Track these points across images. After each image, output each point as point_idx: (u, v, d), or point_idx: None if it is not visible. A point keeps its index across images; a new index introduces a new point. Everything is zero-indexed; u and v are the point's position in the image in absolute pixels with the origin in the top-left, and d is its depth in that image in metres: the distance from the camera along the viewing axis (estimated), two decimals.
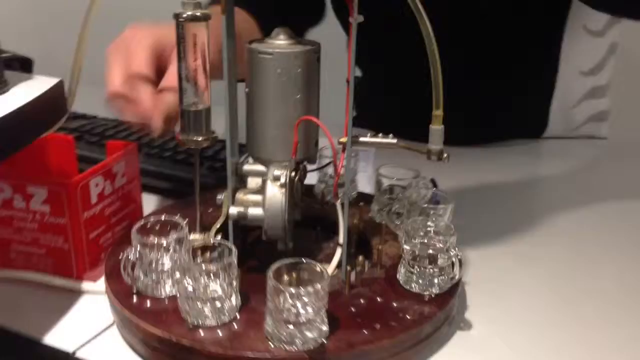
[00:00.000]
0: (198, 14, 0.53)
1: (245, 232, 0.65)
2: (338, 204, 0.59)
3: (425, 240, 0.58)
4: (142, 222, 0.57)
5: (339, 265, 0.60)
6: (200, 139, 0.57)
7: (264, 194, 0.56)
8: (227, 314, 0.52)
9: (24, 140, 0.56)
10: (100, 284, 0.61)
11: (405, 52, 1.05)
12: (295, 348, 0.49)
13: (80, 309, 0.60)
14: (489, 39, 1.00)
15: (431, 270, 0.56)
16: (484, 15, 0.99)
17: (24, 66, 0.71)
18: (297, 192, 0.60)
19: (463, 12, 0.99)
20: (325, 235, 0.67)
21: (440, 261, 0.56)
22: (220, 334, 0.51)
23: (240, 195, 0.59)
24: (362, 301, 0.55)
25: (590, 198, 0.85)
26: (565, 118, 1.06)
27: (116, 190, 0.66)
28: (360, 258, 0.59)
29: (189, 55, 0.55)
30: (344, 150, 0.57)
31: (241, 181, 0.61)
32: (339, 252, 0.61)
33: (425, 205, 0.61)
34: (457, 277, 0.57)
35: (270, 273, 0.49)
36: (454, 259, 0.56)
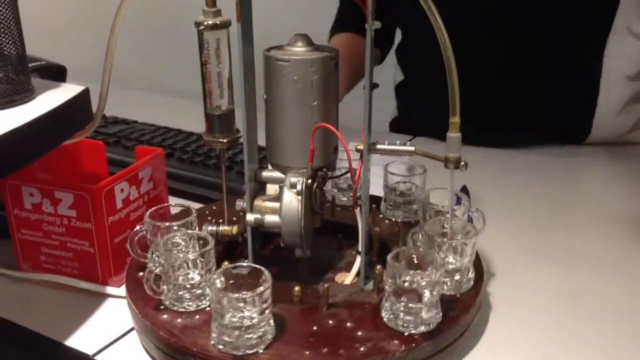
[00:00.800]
0: (218, 22, 0.54)
1: (267, 237, 0.65)
2: (357, 211, 0.59)
3: (409, 278, 0.52)
4: (163, 237, 0.57)
5: (359, 274, 0.60)
6: (224, 140, 0.58)
7: (280, 201, 0.56)
8: (266, 340, 0.51)
9: (48, 147, 0.57)
10: (124, 289, 0.62)
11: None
12: (237, 352, 0.49)
13: (103, 313, 0.62)
14: (532, 40, 0.98)
15: (413, 307, 0.51)
16: (528, 16, 0.97)
17: (58, 74, 0.73)
18: (316, 199, 0.60)
19: (507, 12, 0.97)
20: (348, 243, 0.66)
21: (425, 298, 0.51)
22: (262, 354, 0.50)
23: (258, 202, 0.59)
24: (330, 322, 0.53)
25: (633, 207, 0.82)
26: (609, 124, 1.02)
27: (142, 196, 0.67)
28: (379, 267, 0.59)
29: (212, 61, 0.55)
30: (361, 157, 0.56)
31: (262, 187, 0.61)
32: (358, 260, 0.60)
33: (439, 207, 0.61)
34: (431, 325, 0.52)
35: (215, 280, 0.49)
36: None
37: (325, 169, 0.61)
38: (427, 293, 0.50)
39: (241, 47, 0.54)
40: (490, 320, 0.60)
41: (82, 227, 0.62)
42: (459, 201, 0.64)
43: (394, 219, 0.70)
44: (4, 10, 0.53)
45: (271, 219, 0.57)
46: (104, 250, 0.63)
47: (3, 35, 0.54)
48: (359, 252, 0.60)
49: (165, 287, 0.55)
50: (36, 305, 0.63)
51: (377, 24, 0.53)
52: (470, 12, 0.98)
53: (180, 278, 0.55)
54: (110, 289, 0.63)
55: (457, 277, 0.57)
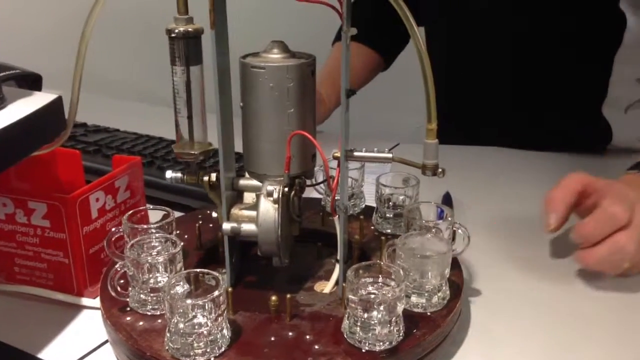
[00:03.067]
0: (190, 29, 0.53)
1: (245, 247, 0.64)
2: (336, 219, 0.58)
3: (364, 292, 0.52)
4: (137, 238, 0.57)
5: (337, 283, 0.59)
6: (195, 151, 0.57)
7: (257, 210, 0.56)
8: (217, 349, 0.50)
9: (19, 155, 0.56)
10: (99, 300, 0.60)
11: (467, 57, 1.05)
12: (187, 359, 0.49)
13: (78, 325, 0.60)
14: (551, 43, 0.99)
15: (367, 322, 0.50)
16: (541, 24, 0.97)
17: (33, 82, 0.72)
18: (295, 207, 0.59)
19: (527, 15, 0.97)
20: (327, 251, 0.66)
21: (379, 314, 0.49)
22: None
23: (235, 211, 0.58)
24: (289, 334, 0.52)
25: None
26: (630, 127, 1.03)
27: (118, 205, 0.66)
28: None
29: (180, 69, 0.54)
30: (339, 164, 0.55)
31: (240, 196, 0.60)
32: (337, 269, 0.59)
33: (425, 222, 0.60)
34: (390, 342, 0.50)
35: (166, 288, 0.49)
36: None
37: (303, 177, 0.60)
38: (381, 308, 0.49)
39: (215, 55, 0.53)
40: (465, 342, 0.58)
41: (56, 237, 0.61)
42: (441, 214, 0.63)
43: (383, 231, 0.68)
44: None
45: (248, 227, 0.56)
46: (78, 261, 0.62)
47: None
48: (337, 261, 0.59)
49: (131, 289, 0.55)
50: (10, 317, 0.62)
51: (353, 31, 0.52)
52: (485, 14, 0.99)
53: (151, 281, 0.54)
54: (85, 300, 0.62)
55: (425, 295, 0.55)
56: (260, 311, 0.55)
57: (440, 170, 0.53)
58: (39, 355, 0.56)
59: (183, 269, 0.56)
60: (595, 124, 1.04)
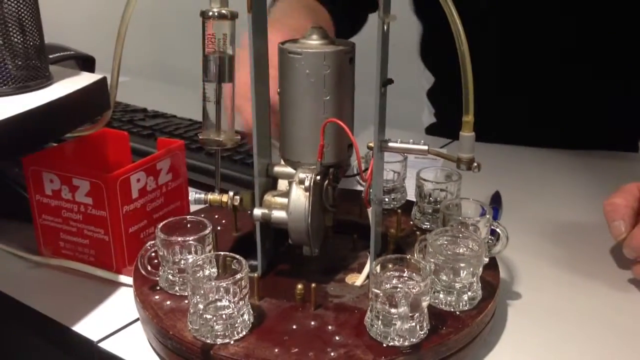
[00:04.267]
0: (224, 11, 0.53)
1: (279, 234, 0.63)
2: (370, 211, 0.57)
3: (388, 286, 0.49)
4: (169, 220, 0.57)
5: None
6: (221, 138, 0.57)
7: (288, 197, 0.55)
8: (237, 333, 0.50)
9: (61, 131, 0.58)
10: None
11: (480, 56, 1.02)
12: (207, 340, 0.49)
13: (114, 301, 0.62)
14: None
15: (388, 316, 0.48)
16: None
17: (86, 64, 0.75)
18: (328, 196, 0.58)
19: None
20: (363, 244, 0.65)
21: (400, 309, 0.47)
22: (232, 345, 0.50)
23: (268, 197, 0.58)
24: (312, 323, 0.52)
25: None
26: None
27: (160, 187, 0.67)
28: None
29: (216, 52, 0.54)
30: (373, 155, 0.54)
31: (274, 182, 0.60)
32: (369, 262, 0.59)
33: (462, 219, 0.58)
34: (412, 339, 0.49)
35: (189, 268, 0.49)
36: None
37: (338, 166, 0.59)
38: (403, 302, 0.47)
39: (251, 39, 0.53)
40: (497, 345, 0.55)
41: (98, 214, 0.63)
42: (483, 212, 0.61)
43: (421, 226, 0.67)
44: (22, 2, 0.54)
45: (278, 214, 0.56)
46: (118, 239, 0.63)
47: (21, 25, 0.55)
48: (370, 254, 0.58)
49: (161, 269, 0.56)
50: (51, 290, 0.64)
51: (393, 17, 0.51)
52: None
53: (182, 262, 0.55)
54: (123, 278, 0.64)
55: (455, 293, 0.53)
56: (286, 299, 0.55)
57: (475, 164, 0.51)
58: (75, 328, 0.58)
59: (213, 251, 0.56)
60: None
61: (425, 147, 0.54)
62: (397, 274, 0.51)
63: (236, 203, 0.57)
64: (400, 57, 0.53)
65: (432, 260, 0.52)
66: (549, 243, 0.72)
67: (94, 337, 0.57)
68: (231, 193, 0.57)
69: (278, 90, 0.57)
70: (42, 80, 0.57)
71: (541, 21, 0.96)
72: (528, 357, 0.54)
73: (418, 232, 0.63)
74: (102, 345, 0.56)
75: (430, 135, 1.16)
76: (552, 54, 0.97)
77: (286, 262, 0.62)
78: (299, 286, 0.54)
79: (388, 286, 0.49)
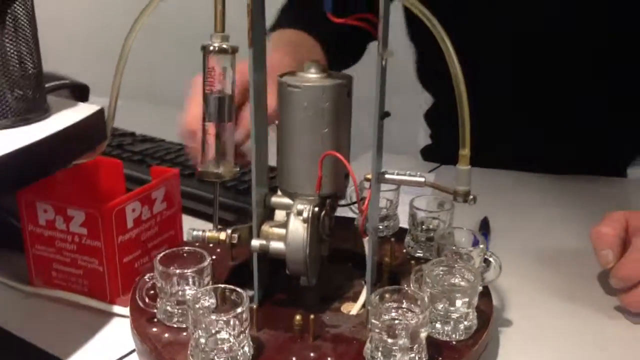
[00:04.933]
0: (225, 46, 0.54)
1: (275, 264, 0.64)
2: (365, 240, 0.58)
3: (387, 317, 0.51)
4: (169, 250, 0.58)
5: (365, 305, 0.59)
6: (220, 171, 0.57)
7: (286, 228, 0.56)
8: None
9: (60, 164, 0.58)
10: None
11: (474, 78, 1.04)
12: None
13: (109, 332, 0.62)
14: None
15: (389, 348, 0.49)
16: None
17: (81, 92, 0.75)
18: (324, 227, 0.59)
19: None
20: (358, 272, 0.65)
21: (400, 340, 0.48)
22: None
23: (265, 228, 0.58)
24: (311, 354, 0.52)
25: None
26: None
27: (154, 216, 0.67)
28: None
29: (215, 87, 0.55)
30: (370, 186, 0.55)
31: (271, 213, 0.61)
32: (364, 291, 0.59)
33: (456, 249, 0.59)
34: None
35: (190, 302, 0.49)
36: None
37: (335, 197, 0.60)
38: (403, 334, 0.48)
39: (252, 73, 0.54)
40: None
41: (92, 245, 0.63)
42: (475, 242, 0.62)
43: (415, 254, 0.68)
44: (22, 32, 0.55)
45: (276, 245, 0.56)
46: (112, 269, 0.63)
47: (20, 56, 0.55)
48: (366, 283, 0.58)
49: (159, 300, 0.56)
50: (44, 321, 0.64)
51: (390, 53, 0.52)
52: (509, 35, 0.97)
53: (179, 293, 0.55)
54: (117, 308, 0.63)
55: (451, 323, 0.54)
56: (284, 330, 0.55)
57: (471, 197, 0.52)
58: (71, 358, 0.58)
59: (211, 282, 0.56)
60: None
61: (422, 179, 0.55)
62: (395, 305, 0.52)
63: (234, 242, 0.57)
64: (397, 77, 0.54)
65: (428, 290, 0.53)
66: (538, 269, 0.73)
67: None
68: (229, 231, 0.57)
69: (276, 122, 0.58)
70: (41, 112, 0.57)
71: (526, 52, 0.98)
72: None
73: (412, 262, 0.63)
74: None
75: (425, 158, 1.18)
76: (538, 83, 0.99)
77: (282, 291, 0.63)
78: (297, 317, 0.54)
79: (387, 318, 0.49)
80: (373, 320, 0.49)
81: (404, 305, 0.51)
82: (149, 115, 1.41)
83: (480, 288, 0.58)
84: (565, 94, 0.99)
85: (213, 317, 0.48)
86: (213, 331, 0.48)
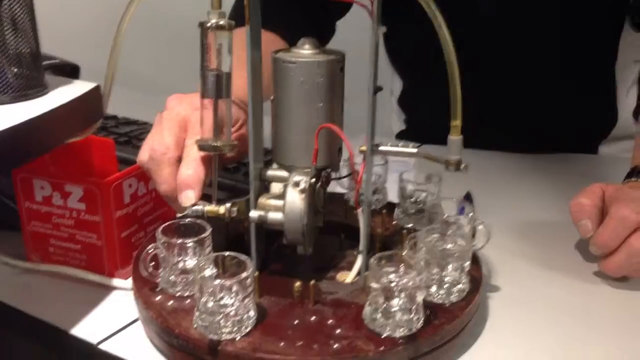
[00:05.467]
0: (222, 22, 0.55)
1: (270, 236, 0.66)
2: (359, 211, 0.60)
3: (386, 280, 0.53)
4: (169, 222, 0.59)
5: (359, 273, 0.61)
6: (218, 144, 0.59)
7: (284, 199, 0.58)
8: (244, 328, 0.52)
9: (59, 139, 0.59)
10: (130, 281, 0.63)
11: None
12: (214, 337, 0.51)
13: (109, 304, 0.63)
14: (547, 38, 0.99)
15: (388, 309, 0.51)
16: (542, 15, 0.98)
17: (71, 72, 0.75)
18: (320, 198, 0.61)
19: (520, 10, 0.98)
20: (349, 243, 0.67)
21: (400, 300, 0.51)
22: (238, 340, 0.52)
23: (262, 200, 0.60)
24: (312, 318, 0.54)
25: None
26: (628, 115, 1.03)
27: (150, 192, 0.69)
28: None
29: (212, 65, 0.56)
30: (364, 158, 0.57)
31: (267, 187, 0.62)
32: (359, 260, 0.61)
33: (446, 216, 0.61)
34: (410, 329, 0.52)
35: (196, 269, 0.51)
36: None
37: (329, 169, 0.62)
38: (402, 295, 0.51)
39: (250, 50, 0.55)
40: (482, 334, 0.59)
41: (91, 220, 0.64)
42: (461, 211, 0.65)
43: (406, 225, 0.70)
44: (20, 10, 0.55)
45: (274, 216, 0.58)
46: (111, 243, 0.64)
47: (19, 33, 0.56)
48: (360, 252, 0.61)
49: (161, 270, 0.58)
50: (43, 296, 0.65)
51: (383, 29, 0.54)
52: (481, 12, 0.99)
53: (181, 264, 0.57)
54: (116, 281, 0.65)
55: (445, 286, 0.57)
56: (285, 296, 0.57)
57: (463, 165, 0.55)
58: (72, 331, 0.59)
59: (212, 252, 0.58)
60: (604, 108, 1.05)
61: (415, 150, 0.57)
62: (392, 269, 0.54)
63: (234, 215, 0.59)
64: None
65: (424, 256, 0.55)
66: (519, 239, 0.77)
67: (93, 339, 0.58)
68: (228, 204, 0.59)
69: (272, 97, 0.60)
70: (40, 89, 0.58)
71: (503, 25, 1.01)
72: (509, 344, 0.58)
73: (404, 231, 0.66)
74: (103, 347, 0.57)
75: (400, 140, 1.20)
76: (514, 58, 1.02)
77: (278, 261, 0.65)
78: (297, 284, 0.57)
79: (385, 280, 0.52)
80: (373, 284, 0.51)
81: (400, 270, 0.54)
82: (128, 100, 1.41)
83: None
84: (536, 80, 1.02)
85: (218, 282, 0.50)
86: (218, 297, 0.50)
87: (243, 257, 0.53)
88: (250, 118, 0.58)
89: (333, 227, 0.68)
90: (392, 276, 0.53)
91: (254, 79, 0.57)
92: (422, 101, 1.15)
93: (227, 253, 0.54)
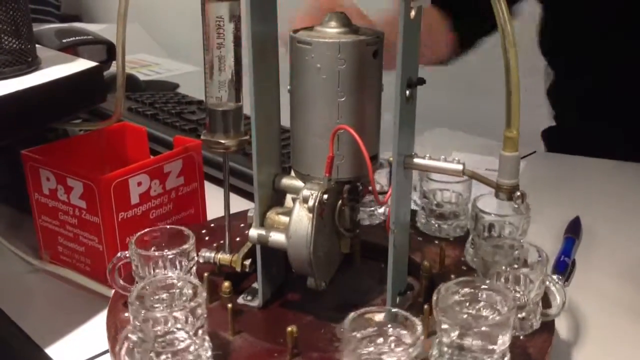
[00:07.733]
0: None
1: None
2: (390, 236, 0.46)
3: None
4: (145, 230, 0.49)
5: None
6: (227, 141, 0.48)
7: (290, 218, 0.45)
8: None
9: (51, 117, 0.52)
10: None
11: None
12: None
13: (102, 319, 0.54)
14: None
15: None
16: None
17: (105, 50, 0.68)
18: (343, 219, 0.48)
19: None
20: None
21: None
22: None
23: (271, 215, 0.48)
24: None
25: None
26: None
27: (168, 192, 0.59)
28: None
29: (213, 42, 0.45)
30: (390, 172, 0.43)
31: (282, 197, 0.50)
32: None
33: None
34: None
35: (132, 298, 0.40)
36: None
37: (359, 183, 0.48)
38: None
39: (249, 23, 0.43)
40: None
41: (91, 220, 0.56)
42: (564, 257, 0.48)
43: (472, 265, 0.54)
44: None
45: (277, 237, 0.46)
46: (112, 249, 0.55)
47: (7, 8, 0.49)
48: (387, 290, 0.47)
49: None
50: (44, 298, 0.59)
51: (426, 1, 0.40)
52: None
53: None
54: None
55: (522, 314, 0.43)
56: (269, 339, 0.45)
57: (518, 194, 0.39)
58: (58, 344, 0.52)
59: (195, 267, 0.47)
60: None
61: (460, 167, 0.42)
62: (381, 340, 0.39)
63: (247, 270, 0.49)
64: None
65: (440, 319, 0.39)
66: (634, 289, 0.58)
67: (79, 357, 0.51)
68: (241, 254, 0.49)
69: (288, 87, 0.47)
70: (21, 66, 0.50)
71: None
72: None
73: (464, 268, 0.51)
74: None
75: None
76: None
77: (297, 291, 0.52)
78: (289, 329, 0.44)
79: (365, 352, 0.37)
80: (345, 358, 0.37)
81: (382, 340, 0.39)
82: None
83: (537, 325, 0.44)
84: None
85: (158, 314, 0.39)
86: (162, 330, 0.39)
87: (195, 282, 0.41)
88: (253, 111, 0.45)
89: (375, 251, 0.55)
90: (370, 348, 0.38)
91: (259, 58, 0.45)
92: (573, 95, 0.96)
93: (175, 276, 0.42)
